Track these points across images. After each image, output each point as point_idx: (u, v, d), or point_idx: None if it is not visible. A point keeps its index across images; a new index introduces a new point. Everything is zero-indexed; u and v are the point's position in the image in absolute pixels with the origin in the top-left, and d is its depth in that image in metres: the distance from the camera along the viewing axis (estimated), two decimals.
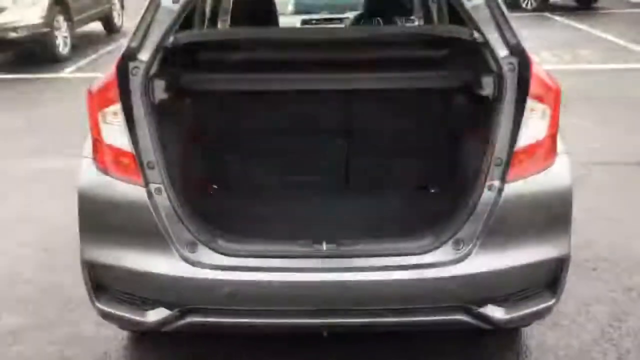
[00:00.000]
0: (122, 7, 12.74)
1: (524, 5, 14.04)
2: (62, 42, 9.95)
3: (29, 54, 9.89)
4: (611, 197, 4.88)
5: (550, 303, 2.75)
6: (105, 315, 2.80)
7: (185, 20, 3.00)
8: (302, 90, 3.32)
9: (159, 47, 2.69)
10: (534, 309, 2.73)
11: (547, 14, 13.52)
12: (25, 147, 6.19)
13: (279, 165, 3.63)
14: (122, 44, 2.76)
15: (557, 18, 13.16)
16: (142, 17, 2.66)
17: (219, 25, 4.66)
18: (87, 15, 11.06)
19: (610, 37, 10.83)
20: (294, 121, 3.54)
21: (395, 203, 3.41)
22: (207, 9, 4.42)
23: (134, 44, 2.64)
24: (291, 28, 5.67)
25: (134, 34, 2.66)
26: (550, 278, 2.74)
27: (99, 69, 8.13)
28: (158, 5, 2.64)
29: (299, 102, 3.46)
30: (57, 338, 3.34)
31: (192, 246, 2.63)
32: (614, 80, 8.22)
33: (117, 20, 12.50)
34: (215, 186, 3.65)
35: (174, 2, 2.64)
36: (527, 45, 2.62)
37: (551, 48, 9.84)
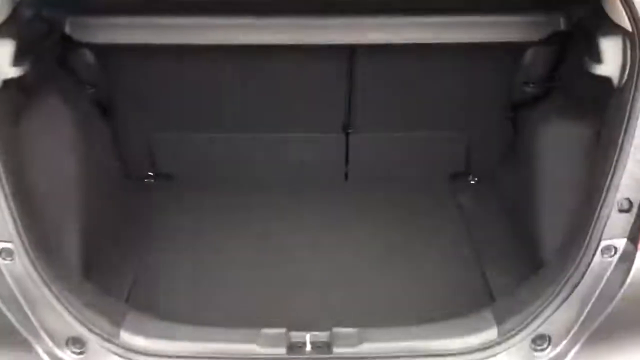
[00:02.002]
0: None
1: None
2: None
3: None
4: None
5: None
6: None
7: None
8: (272, 45, 2.12)
9: None
10: None
11: None
12: None
13: (236, 160, 2.50)
14: None
15: None
16: None
17: None
18: None
19: None
20: (266, 88, 2.33)
21: (423, 220, 2.45)
22: None
23: None
24: None
25: None
26: None
27: None
28: None
29: (271, 59, 2.25)
30: None
31: (77, 344, 1.58)
32: None
33: None
34: (149, 174, 2.62)
35: None
36: None
37: None
